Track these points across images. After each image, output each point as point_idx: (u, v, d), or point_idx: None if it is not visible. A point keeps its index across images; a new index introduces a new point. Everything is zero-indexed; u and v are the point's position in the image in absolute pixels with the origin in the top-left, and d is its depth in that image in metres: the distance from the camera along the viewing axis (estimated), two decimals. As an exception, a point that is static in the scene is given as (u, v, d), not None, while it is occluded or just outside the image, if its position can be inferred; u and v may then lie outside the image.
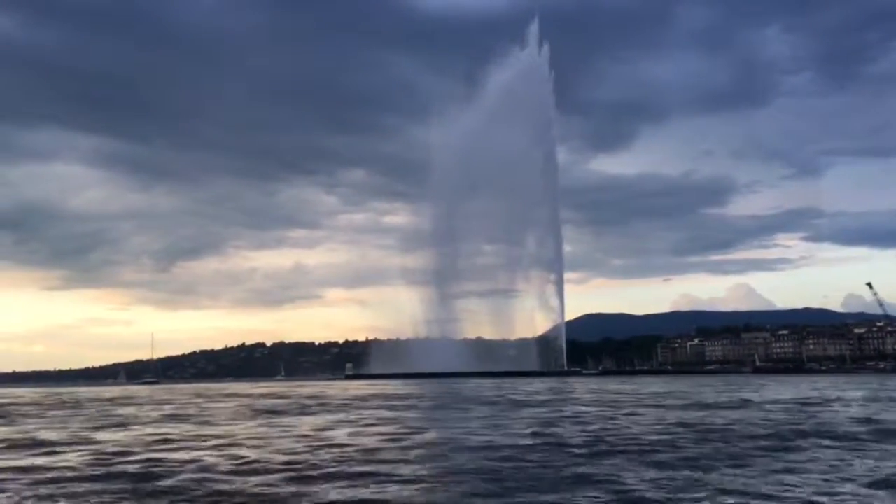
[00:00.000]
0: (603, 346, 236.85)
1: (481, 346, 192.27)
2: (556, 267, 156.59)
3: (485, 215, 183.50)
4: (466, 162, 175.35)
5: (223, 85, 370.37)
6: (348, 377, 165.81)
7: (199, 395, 57.30)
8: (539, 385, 67.41)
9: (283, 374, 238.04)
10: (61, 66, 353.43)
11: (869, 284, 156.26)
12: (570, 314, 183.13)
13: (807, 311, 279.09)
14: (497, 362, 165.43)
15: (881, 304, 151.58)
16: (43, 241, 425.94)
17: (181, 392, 74.01)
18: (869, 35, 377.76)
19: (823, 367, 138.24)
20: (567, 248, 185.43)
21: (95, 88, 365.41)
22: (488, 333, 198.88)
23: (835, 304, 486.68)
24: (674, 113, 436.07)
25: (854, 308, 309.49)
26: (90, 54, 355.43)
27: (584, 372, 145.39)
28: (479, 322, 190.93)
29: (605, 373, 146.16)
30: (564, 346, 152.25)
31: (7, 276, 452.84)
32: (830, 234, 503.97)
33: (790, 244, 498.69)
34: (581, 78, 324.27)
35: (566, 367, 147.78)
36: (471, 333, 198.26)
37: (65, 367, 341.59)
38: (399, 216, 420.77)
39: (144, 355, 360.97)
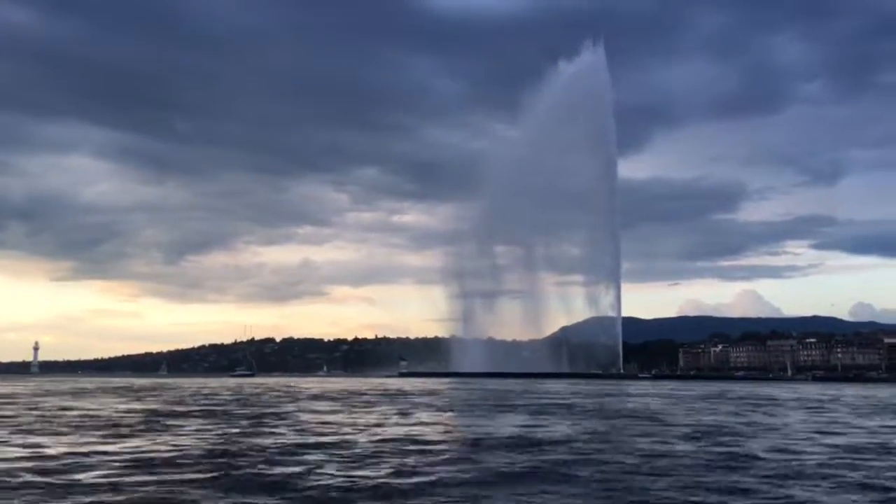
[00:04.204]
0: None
1: (504, 347, 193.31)
2: (614, 269, 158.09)
3: (513, 217, 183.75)
4: (506, 164, 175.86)
5: (238, 81, 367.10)
6: (402, 374, 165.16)
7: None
8: (644, 388, 68.02)
9: (325, 369, 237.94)
10: (78, 59, 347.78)
11: None
12: (580, 316, 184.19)
13: (815, 318, 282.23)
14: (522, 363, 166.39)
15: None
16: (54, 233, 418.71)
17: (336, 385, 70.20)
18: (883, 44, 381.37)
19: (885, 376, 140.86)
20: (575, 250, 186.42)
21: (111, 82, 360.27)
22: (501, 334, 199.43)
23: (843, 312, 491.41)
24: (687, 118, 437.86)
25: (863, 317, 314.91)
26: (107, 48, 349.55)
27: (640, 376, 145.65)
28: (495, 322, 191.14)
29: (657, 377, 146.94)
30: (621, 349, 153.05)
31: (17, 266, 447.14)
32: (840, 242, 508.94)
33: (799, 251, 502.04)
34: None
35: (622, 371, 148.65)
36: (482, 334, 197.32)
37: (73, 357, 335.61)
38: (408, 215, 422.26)
39: (154, 347, 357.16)
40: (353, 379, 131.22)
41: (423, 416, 29.18)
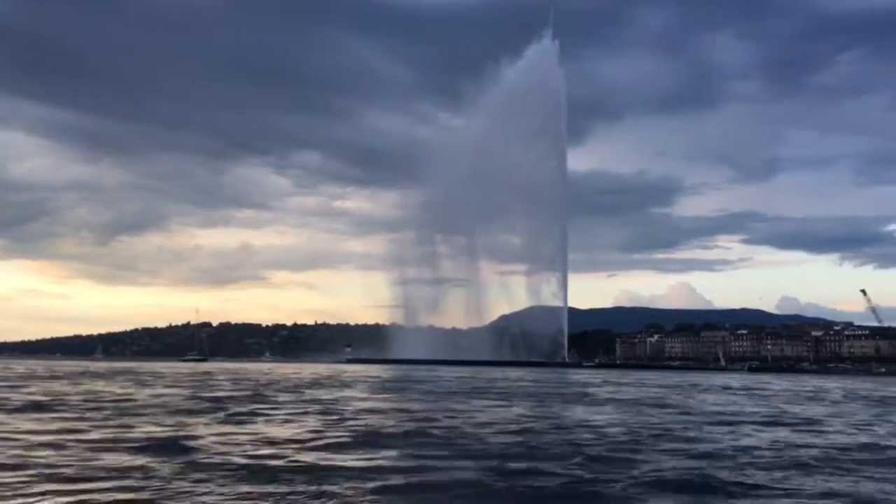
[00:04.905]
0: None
1: (445, 335, 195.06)
2: (560, 259, 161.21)
3: (455, 206, 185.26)
4: (451, 153, 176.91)
5: (179, 59, 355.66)
6: (349, 360, 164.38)
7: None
8: (595, 377, 70.70)
9: (268, 354, 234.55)
10: (8, 29, 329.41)
11: (863, 291, 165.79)
12: (522, 304, 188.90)
13: (743, 311, 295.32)
14: (463, 351, 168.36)
15: (874, 311, 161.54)
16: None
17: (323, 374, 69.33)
18: (817, 46, 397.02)
19: (815, 368, 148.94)
20: (516, 240, 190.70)
21: (45, 55, 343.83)
22: (442, 322, 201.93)
23: (769, 305, 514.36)
24: (627, 113, 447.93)
25: (788, 310, 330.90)
26: (40, 19, 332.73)
27: (584, 364, 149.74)
28: (436, 310, 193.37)
29: (601, 366, 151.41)
30: (566, 339, 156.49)
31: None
32: (769, 238, 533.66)
33: (730, 246, 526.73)
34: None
35: (566, 359, 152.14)
36: (423, 322, 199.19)
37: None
38: (351, 201, 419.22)
39: (84, 330, 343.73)
40: (312, 365, 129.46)
41: (493, 404, 29.82)
